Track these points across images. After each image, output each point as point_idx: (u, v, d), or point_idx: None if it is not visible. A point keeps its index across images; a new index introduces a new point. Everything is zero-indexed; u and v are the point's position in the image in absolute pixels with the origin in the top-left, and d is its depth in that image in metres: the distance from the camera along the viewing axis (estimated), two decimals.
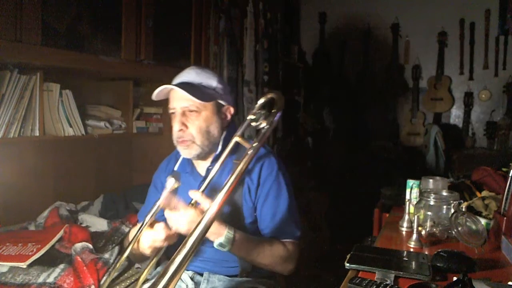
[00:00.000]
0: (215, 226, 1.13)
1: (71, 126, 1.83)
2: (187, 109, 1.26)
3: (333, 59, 4.26)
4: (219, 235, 1.14)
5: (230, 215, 1.28)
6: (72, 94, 1.85)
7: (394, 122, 3.98)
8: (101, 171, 2.36)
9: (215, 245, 1.15)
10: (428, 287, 0.98)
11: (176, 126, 1.27)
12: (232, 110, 1.36)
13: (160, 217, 1.21)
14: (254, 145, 1.05)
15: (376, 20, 4.04)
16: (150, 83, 2.45)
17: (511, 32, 3.56)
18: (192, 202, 1.19)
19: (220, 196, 0.90)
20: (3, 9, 1.39)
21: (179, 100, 1.26)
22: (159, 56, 2.09)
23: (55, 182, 2.08)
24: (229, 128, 1.36)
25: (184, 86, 1.25)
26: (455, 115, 3.87)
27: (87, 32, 1.76)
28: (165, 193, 1.12)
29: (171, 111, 1.30)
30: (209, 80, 1.31)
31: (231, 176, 0.95)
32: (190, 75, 1.31)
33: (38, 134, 1.67)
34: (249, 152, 1.03)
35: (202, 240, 0.83)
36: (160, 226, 1.13)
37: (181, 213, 1.13)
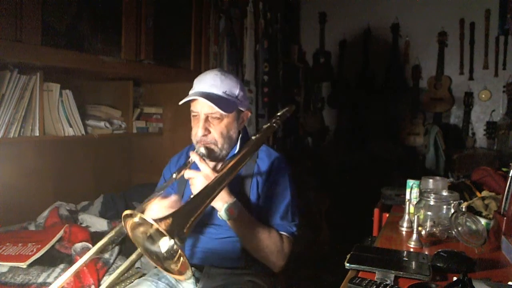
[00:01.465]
0: (225, 192, 1.21)
1: (71, 126, 1.84)
2: (210, 115, 1.31)
3: (333, 59, 4.26)
4: (229, 199, 1.21)
5: None
6: (72, 94, 1.85)
7: (394, 122, 3.97)
8: (101, 171, 2.36)
9: (223, 210, 1.19)
10: (428, 287, 0.98)
11: (200, 131, 1.31)
12: (249, 114, 1.43)
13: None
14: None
15: (376, 20, 4.04)
16: (150, 83, 2.45)
17: (511, 32, 3.55)
18: None
19: (232, 161, 1.09)
20: (3, 9, 1.39)
21: (204, 106, 1.30)
22: (159, 56, 2.09)
23: (55, 182, 2.08)
24: (243, 128, 1.44)
25: (210, 96, 1.29)
26: (455, 115, 3.86)
27: (87, 32, 1.76)
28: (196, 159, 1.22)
29: (193, 113, 1.34)
30: (233, 88, 1.35)
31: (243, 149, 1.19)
32: (215, 82, 1.33)
33: (38, 134, 1.67)
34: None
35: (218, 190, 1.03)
36: (175, 196, 1.18)
37: (202, 170, 1.20)
